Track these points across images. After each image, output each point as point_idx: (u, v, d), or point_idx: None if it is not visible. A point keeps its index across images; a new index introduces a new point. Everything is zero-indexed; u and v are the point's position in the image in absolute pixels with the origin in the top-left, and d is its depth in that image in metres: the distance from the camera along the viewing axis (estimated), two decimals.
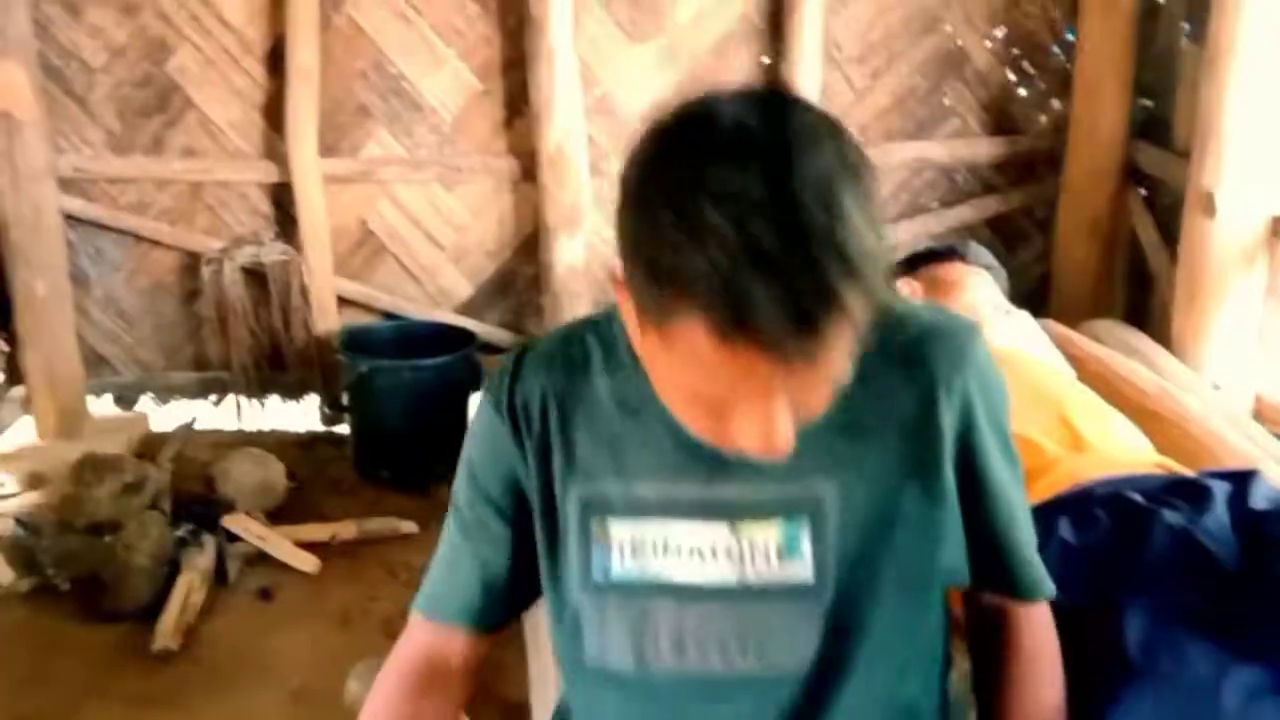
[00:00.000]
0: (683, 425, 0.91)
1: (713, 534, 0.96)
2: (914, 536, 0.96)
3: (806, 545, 0.95)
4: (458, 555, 1.09)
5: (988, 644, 1.07)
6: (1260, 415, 2.50)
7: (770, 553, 0.95)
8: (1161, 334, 2.72)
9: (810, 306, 0.74)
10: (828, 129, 0.80)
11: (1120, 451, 1.60)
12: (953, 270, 2.08)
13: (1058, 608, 1.08)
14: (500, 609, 1.09)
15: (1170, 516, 1.33)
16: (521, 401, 1.02)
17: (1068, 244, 3.46)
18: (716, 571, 0.96)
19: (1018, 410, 1.59)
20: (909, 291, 2.08)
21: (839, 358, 0.80)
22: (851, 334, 0.80)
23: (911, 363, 0.96)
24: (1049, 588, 1.06)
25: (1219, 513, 1.34)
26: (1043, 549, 1.08)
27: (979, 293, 2.04)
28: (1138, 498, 1.39)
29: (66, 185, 3.43)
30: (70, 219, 3.46)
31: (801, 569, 0.95)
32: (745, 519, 0.96)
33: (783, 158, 0.76)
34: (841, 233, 0.75)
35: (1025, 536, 1.04)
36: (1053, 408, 1.63)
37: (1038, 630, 1.06)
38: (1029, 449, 1.54)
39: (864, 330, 0.81)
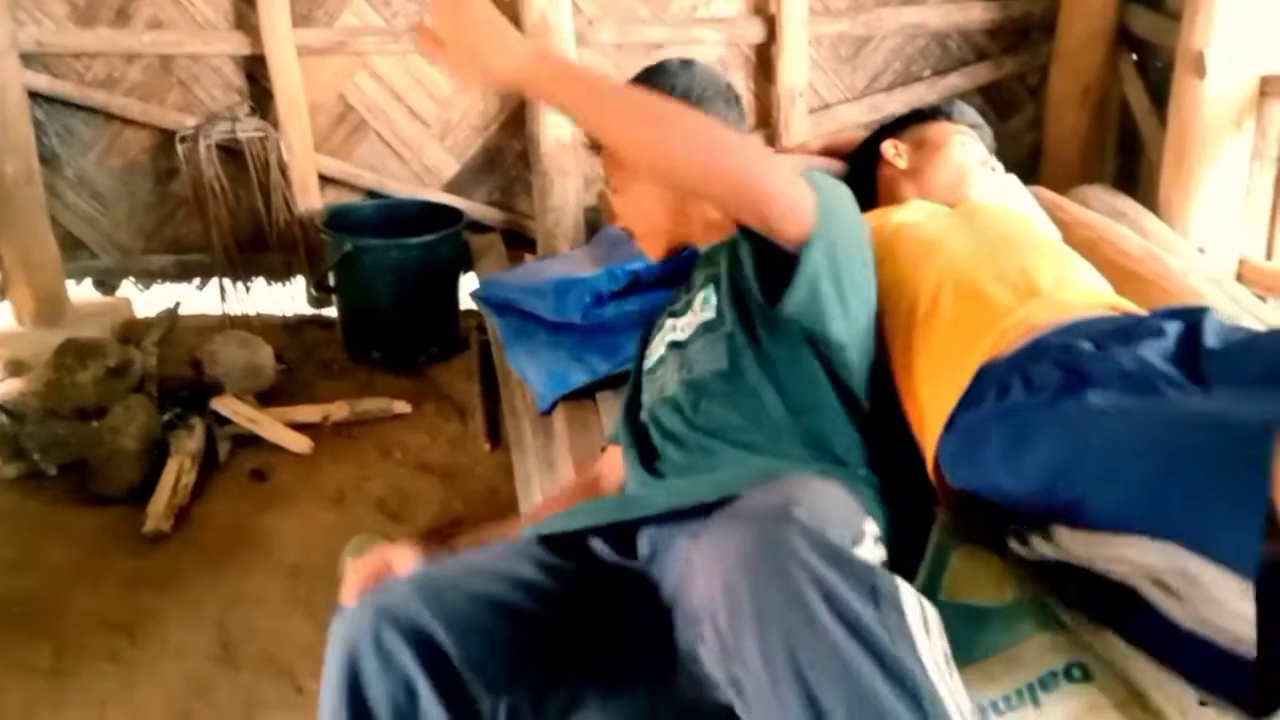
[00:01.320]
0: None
1: (689, 315, 1.56)
2: (752, 293, 1.42)
3: (713, 299, 1.52)
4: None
5: None
6: (1243, 278, 2.52)
7: (700, 309, 1.54)
8: (1149, 199, 2.70)
9: None
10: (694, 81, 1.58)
11: (1076, 294, 1.57)
12: (938, 129, 2.04)
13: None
14: None
15: (1123, 358, 1.32)
16: None
17: (1059, 111, 3.40)
18: (684, 333, 1.55)
19: (975, 263, 1.55)
20: (894, 153, 2.02)
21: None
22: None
23: None
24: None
25: (1169, 348, 1.34)
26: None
27: (965, 150, 2.00)
28: (1087, 345, 1.37)
29: (29, 61, 3.29)
30: (36, 96, 3.33)
31: (711, 312, 1.51)
32: (694, 296, 1.57)
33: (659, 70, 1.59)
34: None
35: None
36: (1015, 256, 1.59)
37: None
38: (978, 304, 1.50)
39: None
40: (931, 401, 1.47)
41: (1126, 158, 3.32)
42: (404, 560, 1.40)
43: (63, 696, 2.00)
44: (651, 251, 1.65)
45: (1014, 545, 1.32)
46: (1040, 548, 1.27)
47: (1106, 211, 2.47)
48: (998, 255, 1.59)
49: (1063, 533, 1.23)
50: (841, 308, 1.39)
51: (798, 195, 1.29)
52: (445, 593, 1.24)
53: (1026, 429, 1.28)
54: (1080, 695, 1.16)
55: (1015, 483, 1.29)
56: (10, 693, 2.01)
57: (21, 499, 2.64)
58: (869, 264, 1.47)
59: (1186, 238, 2.49)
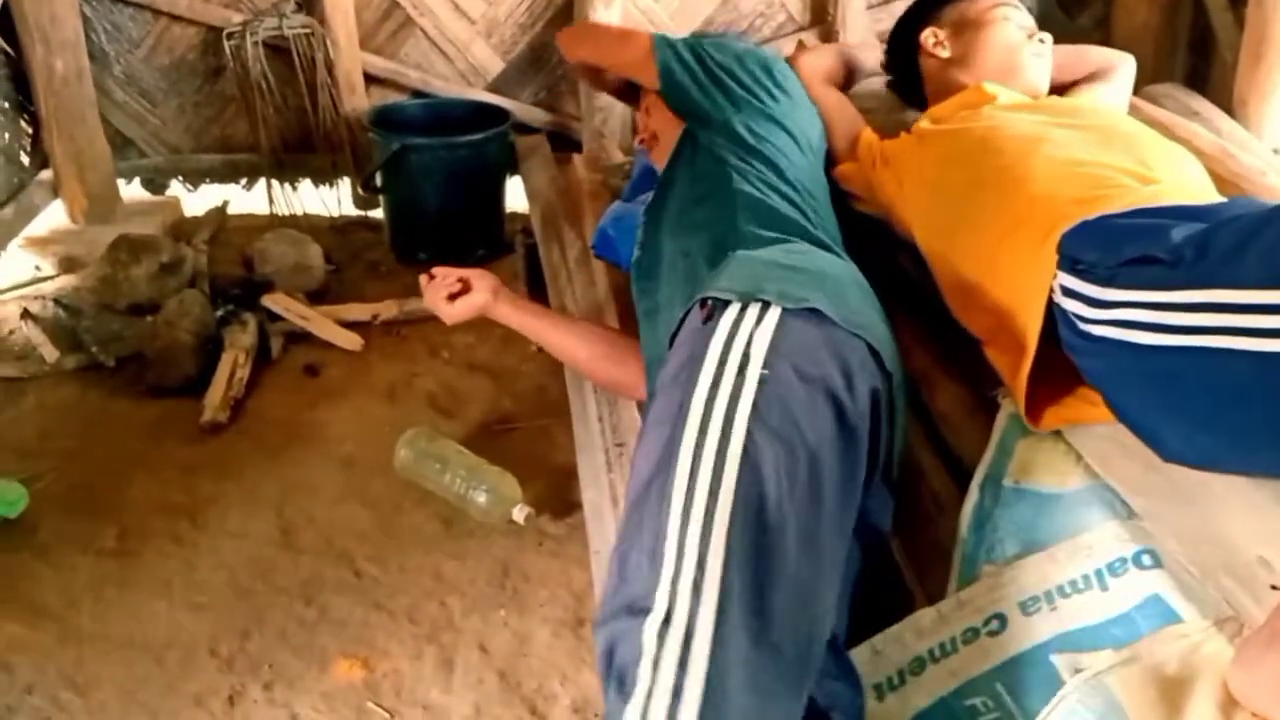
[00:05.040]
0: None
1: None
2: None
3: None
4: None
5: None
6: None
7: None
8: (1221, 100, 2.61)
9: None
10: None
11: (1194, 187, 1.54)
12: (977, 7, 1.94)
13: None
14: None
15: None
16: None
17: (1129, 6, 3.30)
18: None
19: (1088, 155, 1.51)
20: (935, 42, 1.95)
21: None
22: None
23: None
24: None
25: None
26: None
27: (1011, 27, 1.91)
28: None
29: None
30: None
31: None
32: None
33: None
34: None
35: None
36: (1130, 149, 1.55)
37: None
38: (1100, 181, 1.47)
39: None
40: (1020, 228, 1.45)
41: (1197, 57, 3.22)
42: (482, 276, 1.90)
43: (128, 575, 2.06)
44: (660, 160, 1.95)
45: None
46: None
47: (1179, 111, 2.39)
48: (1110, 148, 1.55)
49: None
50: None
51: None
52: None
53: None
54: (1150, 581, 1.16)
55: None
56: (79, 572, 2.06)
57: (81, 390, 2.68)
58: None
59: (1261, 139, 2.42)
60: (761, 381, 1.20)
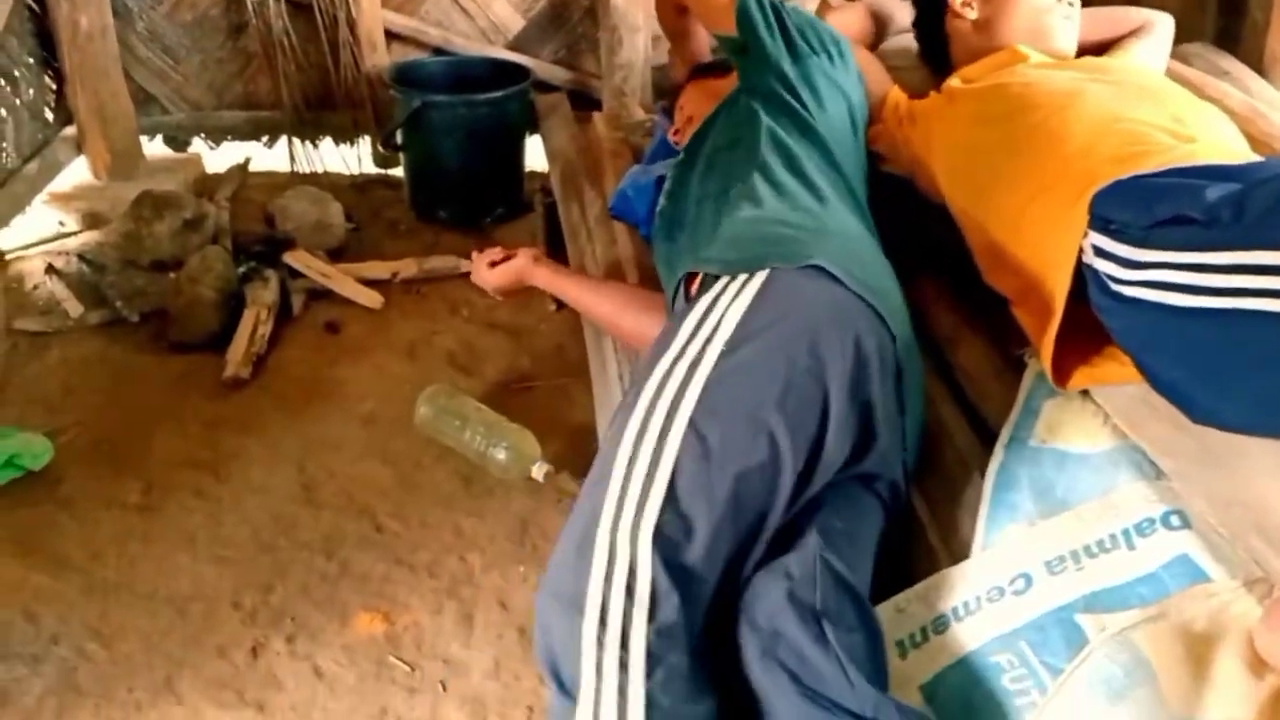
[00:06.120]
0: None
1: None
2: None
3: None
4: None
5: None
6: None
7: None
8: (1251, 59, 2.56)
9: None
10: None
11: (1228, 145, 1.51)
12: None
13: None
14: None
15: None
16: None
17: None
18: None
19: (1123, 109, 1.48)
20: (963, 1, 1.91)
21: None
22: None
23: None
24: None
25: None
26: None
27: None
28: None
29: None
30: None
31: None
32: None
33: None
34: None
35: None
36: (1165, 106, 1.52)
37: None
38: (1133, 139, 1.44)
39: None
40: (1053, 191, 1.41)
41: (1227, 16, 3.15)
42: (524, 249, 2.03)
43: (152, 529, 2.07)
44: (684, 140, 1.98)
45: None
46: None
47: (1209, 70, 2.35)
48: (1145, 103, 1.52)
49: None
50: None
51: None
52: None
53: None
54: (1178, 541, 1.15)
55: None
56: (103, 526, 2.08)
57: (105, 346, 2.69)
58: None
59: None
60: (721, 357, 1.21)
